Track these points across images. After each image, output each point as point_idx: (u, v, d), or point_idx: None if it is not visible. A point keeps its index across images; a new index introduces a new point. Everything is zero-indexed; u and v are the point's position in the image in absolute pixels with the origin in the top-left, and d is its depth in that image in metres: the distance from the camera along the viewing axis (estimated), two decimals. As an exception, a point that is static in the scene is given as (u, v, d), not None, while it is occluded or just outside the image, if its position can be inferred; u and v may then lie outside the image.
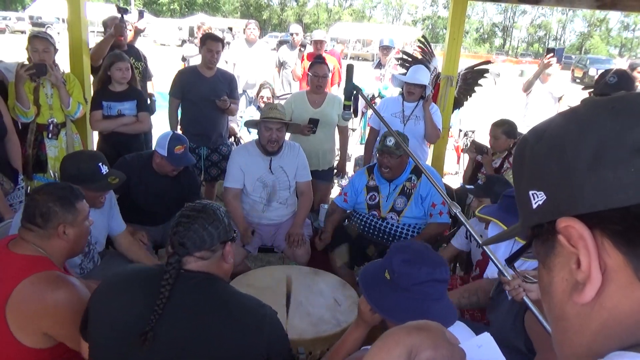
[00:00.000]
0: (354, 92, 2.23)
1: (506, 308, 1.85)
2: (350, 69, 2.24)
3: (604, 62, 25.78)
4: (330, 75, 4.42)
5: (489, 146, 3.59)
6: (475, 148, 3.63)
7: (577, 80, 23.09)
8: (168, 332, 1.31)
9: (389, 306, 1.38)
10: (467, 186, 2.95)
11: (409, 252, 1.41)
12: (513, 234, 0.64)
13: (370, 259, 3.04)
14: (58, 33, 18.19)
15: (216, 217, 1.44)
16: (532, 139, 0.53)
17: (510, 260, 0.65)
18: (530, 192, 0.52)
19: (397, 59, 5.12)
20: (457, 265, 3.27)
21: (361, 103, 3.60)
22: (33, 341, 1.51)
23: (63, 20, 27.07)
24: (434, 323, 0.74)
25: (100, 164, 2.28)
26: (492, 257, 1.58)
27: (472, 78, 4.38)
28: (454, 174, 6.96)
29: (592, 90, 2.79)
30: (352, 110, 2.27)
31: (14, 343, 1.49)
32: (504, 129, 3.48)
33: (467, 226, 1.58)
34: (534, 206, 0.51)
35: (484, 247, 1.60)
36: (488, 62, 4.52)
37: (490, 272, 1.94)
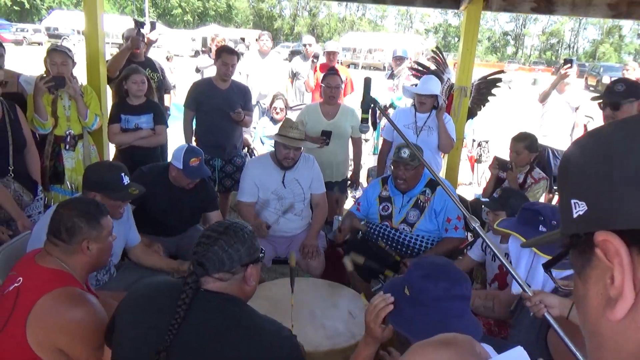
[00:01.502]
0: (372, 105, 2.23)
1: (528, 324, 1.82)
2: (367, 82, 2.25)
3: (618, 69, 25.77)
4: (343, 86, 4.44)
5: (510, 160, 3.51)
6: (498, 164, 3.54)
7: (591, 88, 23.17)
8: (183, 353, 1.30)
9: (408, 323, 1.36)
10: (483, 199, 2.92)
11: (427, 267, 1.40)
12: (552, 239, 0.63)
13: (383, 260, 2.99)
14: (74, 45, 18.49)
15: (238, 239, 1.42)
16: (580, 147, 0.53)
17: (547, 266, 0.64)
18: (572, 201, 0.51)
19: (410, 69, 5.12)
20: (473, 279, 3.23)
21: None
22: (48, 356, 1.52)
23: (79, 32, 27.59)
24: (463, 336, 0.72)
25: (122, 174, 2.32)
26: (513, 272, 1.55)
27: (485, 88, 4.36)
28: (467, 184, 6.91)
29: (600, 100, 2.77)
30: (370, 123, 2.27)
31: (29, 356, 1.50)
32: (525, 143, 3.39)
33: (487, 241, 1.56)
34: (575, 215, 0.50)
35: (504, 262, 1.57)
36: (501, 72, 4.49)
37: (515, 288, 1.91)
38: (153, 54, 4.86)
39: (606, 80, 23.67)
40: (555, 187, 4.96)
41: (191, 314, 1.32)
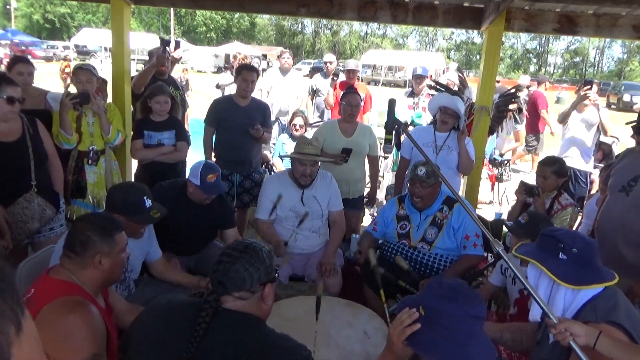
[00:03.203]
0: (396, 126, 2.23)
1: (548, 350, 1.77)
2: (392, 103, 2.25)
3: (638, 88, 25.87)
4: (362, 104, 4.45)
5: (537, 185, 3.37)
6: (524, 189, 3.39)
7: (612, 106, 23.43)
8: None
9: (423, 342, 1.35)
10: (507, 222, 2.82)
11: (444, 288, 1.38)
12: None
13: (402, 277, 2.95)
14: (101, 61, 19.03)
15: (258, 259, 1.44)
16: None
17: None
18: None
19: (430, 87, 5.11)
20: (492, 301, 3.16)
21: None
22: None
23: (106, 49, 28.38)
24: None
25: (145, 197, 2.34)
26: (537, 297, 1.52)
27: (502, 104, 4.33)
28: (488, 202, 6.82)
29: (634, 124, 2.71)
30: (393, 144, 2.26)
31: None
32: (554, 168, 3.28)
33: (511, 266, 1.53)
34: None
35: (528, 286, 1.54)
36: (517, 87, 4.46)
37: (533, 316, 1.85)
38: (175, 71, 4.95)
39: (627, 98, 24.01)
40: (577, 209, 4.87)
41: (210, 333, 1.33)
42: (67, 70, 14.54)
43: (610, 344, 1.52)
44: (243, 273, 1.40)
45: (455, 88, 4.69)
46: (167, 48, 4.23)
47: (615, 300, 1.74)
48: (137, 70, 4.26)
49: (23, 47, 30.30)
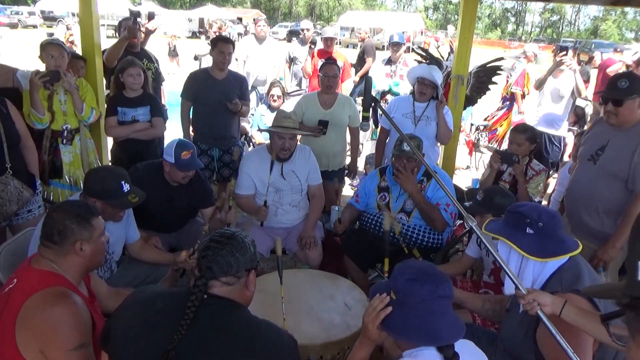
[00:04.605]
0: (373, 104, 2.24)
1: (517, 321, 1.87)
2: (368, 81, 2.26)
3: (608, 46, 27.16)
4: (340, 73, 4.43)
5: (515, 153, 3.34)
6: (501, 158, 3.35)
7: (582, 64, 23.98)
8: (189, 354, 1.35)
9: (396, 325, 1.42)
10: (465, 204, 2.81)
11: (412, 271, 1.45)
12: (614, 295, 0.63)
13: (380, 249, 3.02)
14: (69, 27, 18.22)
15: (243, 246, 1.50)
16: None
17: (604, 319, 0.65)
18: (639, 263, 0.52)
19: (410, 50, 5.06)
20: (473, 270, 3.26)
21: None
22: (34, 358, 1.53)
23: (74, 14, 27.23)
24: None
25: (123, 182, 2.33)
26: (508, 271, 1.60)
27: (485, 76, 4.34)
28: (465, 168, 6.94)
29: (602, 93, 2.76)
30: (371, 122, 2.29)
31: (17, 358, 1.52)
32: (527, 135, 3.35)
33: (485, 242, 1.61)
34: (639, 278, 0.51)
35: (500, 261, 1.62)
36: (500, 59, 4.47)
37: (507, 289, 1.94)
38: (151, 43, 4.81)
39: (597, 56, 24.75)
40: (551, 172, 5.00)
41: (198, 317, 1.38)
42: (70, 39, 14.00)
43: (575, 312, 1.62)
44: (230, 258, 1.45)
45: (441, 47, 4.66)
46: (138, 19, 4.10)
47: (579, 270, 1.84)
48: (107, 37, 4.11)
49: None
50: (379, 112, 3.67)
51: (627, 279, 0.54)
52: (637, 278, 0.51)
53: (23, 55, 13.09)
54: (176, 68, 14.83)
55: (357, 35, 34.07)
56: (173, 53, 14.56)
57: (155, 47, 11.75)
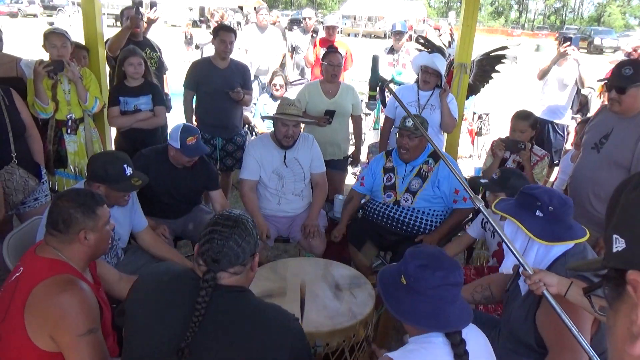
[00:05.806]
0: (380, 83, 2.23)
1: (518, 303, 1.89)
2: (375, 60, 2.24)
3: (606, 32, 27.62)
4: (343, 62, 4.41)
5: (521, 140, 3.30)
6: (505, 145, 3.33)
7: (582, 50, 24.45)
8: (203, 347, 1.36)
9: (406, 310, 1.43)
10: (482, 180, 2.91)
11: (424, 257, 1.45)
12: (594, 267, 0.65)
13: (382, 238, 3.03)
14: (69, 16, 18.16)
15: (247, 232, 1.46)
16: (631, 185, 0.55)
17: (586, 291, 0.68)
18: (614, 236, 0.54)
19: (417, 41, 5.03)
20: (471, 255, 3.29)
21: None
22: (45, 344, 1.55)
23: (74, 3, 27.08)
24: None
25: (125, 165, 2.35)
26: (514, 251, 1.61)
27: (488, 64, 4.32)
28: (467, 157, 6.94)
29: (606, 81, 2.75)
30: (379, 100, 2.28)
31: (28, 344, 1.54)
32: (530, 122, 3.35)
33: (493, 223, 1.62)
34: (614, 250, 0.54)
35: (506, 241, 1.63)
36: (505, 48, 4.44)
37: (505, 267, 1.97)
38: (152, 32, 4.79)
39: (597, 41, 25.10)
40: (555, 161, 4.99)
41: (209, 310, 1.37)
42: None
43: (580, 292, 1.63)
44: (237, 249, 1.43)
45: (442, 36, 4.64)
46: (140, 8, 4.09)
47: (584, 256, 1.85)
48: (108, 26, 4.11)
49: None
50: (387, 92, 3.65)
51: (605, 251, 0.57)
52: (613, 250, 0.54)
53: (24, 44, 13.03)
54: (193, 56, 14.71)
55: (357, 24, 33.90)
56: (190, 41, 14.47)
57: (168, 36, 11.67)
